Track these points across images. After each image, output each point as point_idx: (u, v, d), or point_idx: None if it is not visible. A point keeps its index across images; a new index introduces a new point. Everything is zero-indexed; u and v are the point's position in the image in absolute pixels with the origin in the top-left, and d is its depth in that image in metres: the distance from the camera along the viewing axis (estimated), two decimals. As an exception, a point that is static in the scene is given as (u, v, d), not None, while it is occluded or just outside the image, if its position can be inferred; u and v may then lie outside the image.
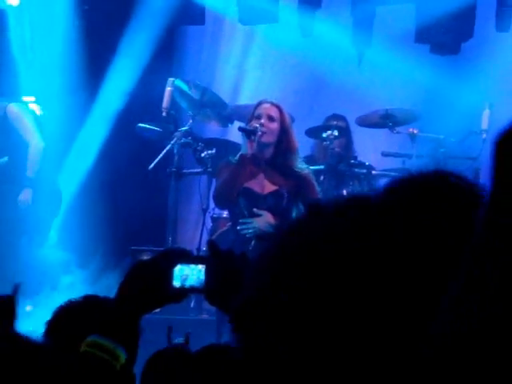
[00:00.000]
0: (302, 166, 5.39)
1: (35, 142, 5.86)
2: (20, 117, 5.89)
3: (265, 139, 5.24)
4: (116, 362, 1.64)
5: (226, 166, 5.43)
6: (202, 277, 1.79)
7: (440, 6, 6.70)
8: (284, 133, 5.31)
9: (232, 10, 7.16)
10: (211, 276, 1.78)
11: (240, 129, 5.39)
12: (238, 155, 5.31)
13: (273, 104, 5.38)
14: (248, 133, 5.25)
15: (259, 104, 5.43)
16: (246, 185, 5.29)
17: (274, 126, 5.28)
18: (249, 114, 5.46)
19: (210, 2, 7.28)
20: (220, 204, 5.54)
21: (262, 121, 5.26)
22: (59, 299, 2.00)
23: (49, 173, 6.03)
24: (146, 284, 1.76)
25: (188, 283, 1.78)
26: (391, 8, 7.17)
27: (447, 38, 6.88)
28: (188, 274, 1.78)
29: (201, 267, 1.79)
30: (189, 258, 1.81)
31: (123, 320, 1.73)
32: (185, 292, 1.79)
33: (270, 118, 5.30)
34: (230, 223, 5.65)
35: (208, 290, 1.79)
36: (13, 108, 5.90)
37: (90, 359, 1.61)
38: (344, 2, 7.16)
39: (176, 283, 1.77)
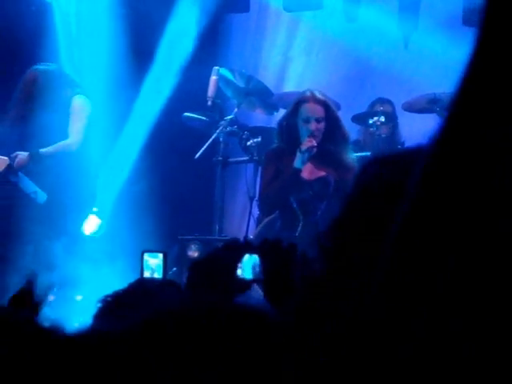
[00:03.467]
0: (350, 156, 5.36)
1: (73, 140, 5.82)
2: (81, 111, 5.86)
3: (316, 143, 5.24)
4: None
5: (273, 156, 5.41)
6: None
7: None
8: (332, 124, 5.26)
9: (276, -4, 7.13)
10: (267, 268, 1.78)
11: (302, 152, 5.25)
12: (292, 169, 5.23)
13: (316, 102, 5.28)
14: (309, 155, 5.22)
15: (303, 101, 5.31)
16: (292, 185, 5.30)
17: (322, 125, 5.26)
18: (291, 110, 5.38)
19: (253, -10, 7.26)
20: (263, 212, 5.46)
21: (312, 127, 5.22)
22: (107, 289, 2.00)
23: (81, 173, 5.89)
24: (212, 279, 1.76)
25: (252, 274, 1.78)
26: (438, -10, 7.07)
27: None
28: (252, 265, 1.78)
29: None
30: (251, 248, 1.80)
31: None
32: (249, 282, 1.79)
33: (318, 120, 5.26)
34: (276, 211, 5.64)
35: (265, 280, 1.79)
36: (79, 100, 5.88)
37: None
38: (389, -15, 7.08)
39: (241, 274, 1.77)
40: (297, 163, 5.25)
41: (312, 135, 5.22)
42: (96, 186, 6.10)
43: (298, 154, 5.25)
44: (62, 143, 5.79)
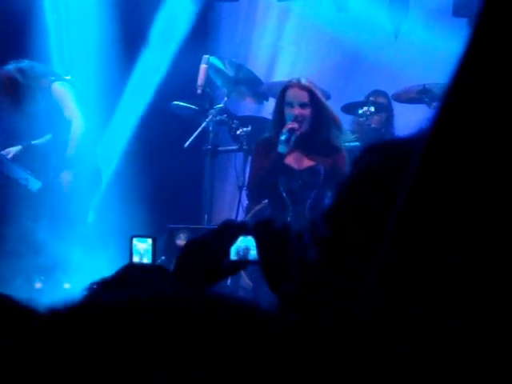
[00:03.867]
0: (341, 142, 5.35)
1: (78, 121, 5.88)
2: (64, 96, 5.90)
3: (302, 129, 5.21)
4: None
5: (263, 145, 5.41)
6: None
7: (478, -22, 6.59)
8: (319, 110, 5.25)
9: (267, -15, 7.11)
10: (264, 248, 1.78)
11: (282, 142, 5.22)
12: (275, 152, 5.22)
13: (301, 87, 5.28)
14: (289, 138, 5.20)
15: (288, 87, 5.31)
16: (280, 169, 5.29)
17: (307, 111, 5.23)
18: (277, 97, 5.39)
19: (244, -22, 7.24)
20: (252, 199, 5.45)
21: (296, 111, 5.21)
22: (96, 275, 2.01)
23: (89, 152, 6.05)
24: (203, 261, 1.76)
25: (247, 256, 1.78)
26: (428, -19, 7.07)
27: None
28: (247, 247, 1.78)
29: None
30: (247, 230, 1.81)
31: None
32: (243, 264, 1.79)
33: (303, 105, 5.24)
34: (266, 200, 5.64)
35: (262, 261, 1.78)
36: (57, 86, 5.91)
37: None
38: (380, -24, 7.08)
39: (233, 256, 1.77)
40: (280, 148, 5.24)
41: (296, 120, 5.21)
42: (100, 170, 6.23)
43: (281, 139, 5.25)
44: (73, 131, 5.85)
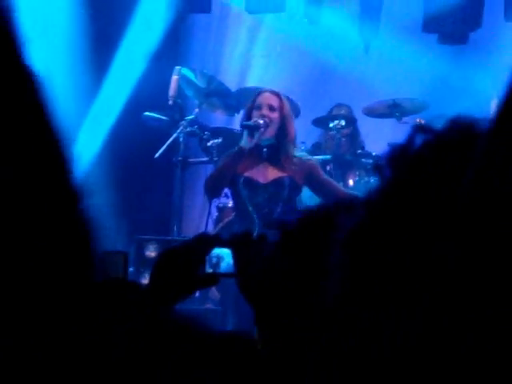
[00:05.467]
0: (302, 155, 5.32)
1: None
2: None
3: (267, 132, 5.14)
4: None
5: (229, 156, 5.38)
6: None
7: (448, -5, 6.66)
8: (283, 120, 5.22)
9: (239, -2, 7.13)
10: (239, 261, 1.77)
11: (243, 126, 5.22)
12: (236, 147, 5.20)
13: (272, 93, 5.26)
14: (251, 129, 5.15)
15: (259, 94, 5.30)
16: (247, 174, 5.23)
17: (275, 115, 5.18)
18: (248, 103, 5.36)
19: (216, -10, 7.26)
20: (207, 193, 5.39)
21: (263, 111, 5.16)
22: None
23: None
24: (179, 271, 1.75)
25: (220, 268, 1.77)
26: (399, -3, 7.13)
27: (455, 27, 6.85)
28: (220, 259, 1.77)
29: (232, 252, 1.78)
30: (221, 242, 1.79)
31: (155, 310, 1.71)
32: (216, 277, 1.78)
33: (271, 108, 5.18)
34: (234, 213, 5.63)
35: (239, 274, 1.77)
36: None
37: None
38: (351, -10, 7.13)
39: (208, 268, 1.76)
40: (242, 141, 5.14)
41: (262, 117, 5.13)
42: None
43: (244, 133, 5.19)
44: None
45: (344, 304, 0.80)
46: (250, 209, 5.21)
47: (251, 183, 5.21)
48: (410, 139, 0.88)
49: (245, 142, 5.13)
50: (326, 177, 5.33)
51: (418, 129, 0.89)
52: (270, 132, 5.16)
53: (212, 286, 1.82)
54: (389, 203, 0.84)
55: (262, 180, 5.22)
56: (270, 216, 5.18)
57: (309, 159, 5.27)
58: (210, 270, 1.77)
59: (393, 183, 0.87)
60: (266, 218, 5.19)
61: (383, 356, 0.76)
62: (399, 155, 0.88)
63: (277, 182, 5.17)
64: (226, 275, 1.79)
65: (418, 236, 0.79)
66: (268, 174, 5.22)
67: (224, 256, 1.79)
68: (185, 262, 1.76)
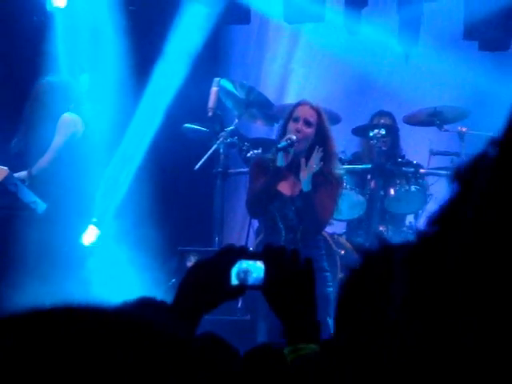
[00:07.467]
0: (337, 171, 5.24)
1: (44, 158, 5.72)
2: (61, 129, 5.79)
3: (299, 147, 5.09)
4: None
5: (258, 164, 5.30)
6: (262, 274, 1.78)
7: (489, 1, 6.61)
8: (322, 138, 5.14)
9: (278, 9, 7.14)
10: (271, 274, 1.77)
11: (278, 149, 5.12)
12: (272, 166, 5.14)
13: (312, 107, 5.18)
14: (286, 149, 5.08)
15: (298, 104, 5.24)
16: (277, 187, 5.19)
17: (310, 131, 5.11)
18: (286, 114, 5.31)
19: (255, 2, 7.28)
20: (251, 214, 5.29)
21: (299, 126, 5.11)
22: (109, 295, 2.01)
23: (80, 184, 5.83)
24: (206, 283, 1.76)
25: (247, 280, 1.77)
26: (438, 5, 7.09)
27: (496, 34, 6.78)
28: (247, 271, 1.78)
29: (259, 264, 1.78)
30: (248, 254, 1.80)
31: (183, 321, 1.72)
32: (243, 289, 1.78)
33: (307, 123, 5.11)
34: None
35: (267, 287, 1.78)
36: (64, 117, 5.82)
37: None
38: (390, 0, 7.11)
39: (234, 280, 1.76)
40: (278, 161, 5.12)
41: (297, 131, 5.10)
42: (95, 196, 6.07)
43: (278, 146, 5.11)
44: (38, 162, 5.76)
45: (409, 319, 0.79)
46: (278, 220, 5.18)
47: (279, 196, 5.16)
48: (484, 154, 0.83)
49: (280, 161, 5.09)
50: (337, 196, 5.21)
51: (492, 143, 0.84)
52: (302, 147, 5.11)
53: (238, 298, 1.82)
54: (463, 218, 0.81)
55: (289, 193, 5.17)
56: (297, 229, 5.13)
57: (337, 178, 5.18)
58: (236, 282, 1.77)
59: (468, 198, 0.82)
60: (292, 231, 5.14)
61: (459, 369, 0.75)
62: (472, 169, 0.84)
63: (304, 195, 5.10)
64: (252, 287, 1.79)
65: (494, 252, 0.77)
66: (296, 186, 5.16)
67: (251, 268, 1.79)
68: (211, 274, 1.77)
